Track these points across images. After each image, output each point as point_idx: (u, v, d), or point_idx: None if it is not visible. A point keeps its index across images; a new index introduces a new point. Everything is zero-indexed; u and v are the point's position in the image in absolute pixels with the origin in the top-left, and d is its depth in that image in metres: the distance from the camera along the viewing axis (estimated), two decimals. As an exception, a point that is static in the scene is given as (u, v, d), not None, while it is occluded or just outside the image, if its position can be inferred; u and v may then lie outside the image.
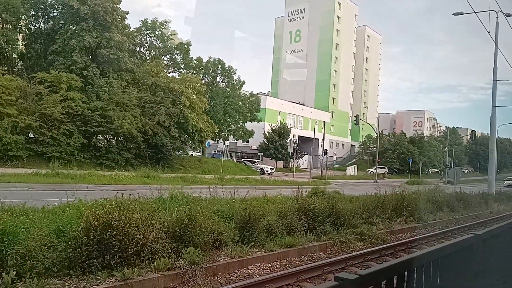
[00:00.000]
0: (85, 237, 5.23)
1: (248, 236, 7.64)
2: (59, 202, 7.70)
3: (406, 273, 2.81)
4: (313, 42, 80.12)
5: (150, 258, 5.70)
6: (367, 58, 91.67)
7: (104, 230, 5.31)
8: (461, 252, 3.64)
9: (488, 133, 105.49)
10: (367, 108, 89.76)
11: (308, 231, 8.38)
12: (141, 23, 35.00)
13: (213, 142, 57.20)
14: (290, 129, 56.47)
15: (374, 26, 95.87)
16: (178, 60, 38.23)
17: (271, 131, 54.60)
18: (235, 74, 41.52)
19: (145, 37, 36.57)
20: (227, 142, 58.74)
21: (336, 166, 71.31)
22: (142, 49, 37.06)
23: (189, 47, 37.12)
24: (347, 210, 9.32)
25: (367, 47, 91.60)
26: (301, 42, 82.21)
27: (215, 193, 10.04)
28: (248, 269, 6.86)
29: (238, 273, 6.61)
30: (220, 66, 40.79)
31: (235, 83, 42.25)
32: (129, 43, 30.20)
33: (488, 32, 21.78)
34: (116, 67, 29.01)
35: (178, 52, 37.55)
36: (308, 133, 63.67)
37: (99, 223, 5.32)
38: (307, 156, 64.28)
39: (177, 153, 31.56)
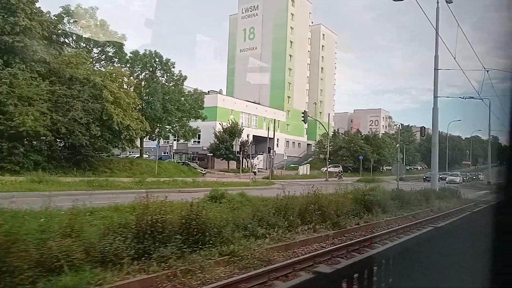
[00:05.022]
0: None
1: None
2: None
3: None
4: (267, 39, 78.43)
5: None
6: (322, 57, 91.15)
7: None
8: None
9: (442, 131, 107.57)
10: (314, 104, 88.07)
11: (140, 257, 5.58)
12: (62, 9, 31.17)
13: (163, 143, 53.93)
14: (242, 128, 54.20)
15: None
16: (110, 54, 34.66)
17: (222, 130, 52.23)
18: (173, 67, 38.48)
19: (70, 26, 32.79)
20: (171, 142, 55.65)
21: (293, 165, 69.92)
22: (66, 40, 33.20)
23: (123, 41, 33.73)
24: (223, 219, 6.86)
25: (323, 45, 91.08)
26: (255, 40, 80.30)
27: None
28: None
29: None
30: (157, 59, 37.62)
31: (176, 78, 39.20)
32: (43, 30, 26.51)
33: (428, 19, 20.39)
34: (26, 57, 25.28)
35: (111, 45, 33.99)
36: (263, 133, 61.50)
37: None
38: (262, 155, 62.43)
39: (100, 154, 28.20)
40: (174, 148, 54.60)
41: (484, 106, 43.27)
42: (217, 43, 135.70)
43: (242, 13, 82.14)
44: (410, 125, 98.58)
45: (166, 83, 38.38)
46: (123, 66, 36.41)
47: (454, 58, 18.84)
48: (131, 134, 27.97)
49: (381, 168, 75.97)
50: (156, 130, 38.80)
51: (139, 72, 38.64)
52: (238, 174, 48.02)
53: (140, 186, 19.62)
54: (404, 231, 10.83)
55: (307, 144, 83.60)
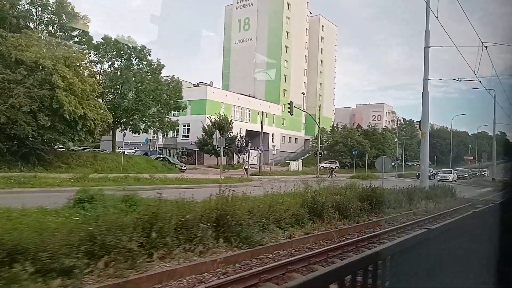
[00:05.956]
0: None
1: None
2: None
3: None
4: (263, 30, 75.11)
5: None
6: (322, 49, 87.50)
7: None
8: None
9: (446, 126, 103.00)
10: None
11: None
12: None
13: (152, 137, 51.28)
14: (232, 122, 51.20)
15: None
16: (75, 38, 31.81)
17: (210, 124, 49.37)
18: (149, 55, 35.50)
19: (30, 8, 29.99)
20: (160, 137, 52.86)
21: (289, 161, 66.77)
22: (29, 24, 30.41)
23: (87, 22, 30.83)
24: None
25: (322, 37, 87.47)
26: (250, 31, 76.94)
27: None
28: None
29: None
30: (131, 45, 34.66)
31: (153, 66, 36.22)
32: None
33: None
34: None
35: (74, 28, 31.11)
36: (258, 127, 58.44)
37: None
38: (256, 151, 59.45)
39: (51, 146, 25.39)
40: (159, 143, 51.71)
41: (490, 100, 39.86)
42: (220, 38, 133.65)
43: (237, 2, 78.85)
44: (413, 120, 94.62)
45: (140, 72, 35.43)
46: (94, 52, 33.71)
47: (451, 39, 15.77)
48: (88, 124, 25.07)
49: (381, 164, 72.51)
50: (131, 122, 35.95)
51: (114, 59, 35.78)
52: (227, 170, 45.31)
53: (75, 183, 16.74)
54: (358, 246, 7.80)
55: (305, 139, 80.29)
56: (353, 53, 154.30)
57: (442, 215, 14.35)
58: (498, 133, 76.45)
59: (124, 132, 38.37)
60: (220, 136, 36.73)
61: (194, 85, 64.02)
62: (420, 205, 15.17)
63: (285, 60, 74.84)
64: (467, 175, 47.60)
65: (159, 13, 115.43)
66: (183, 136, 60.06)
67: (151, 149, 50.64)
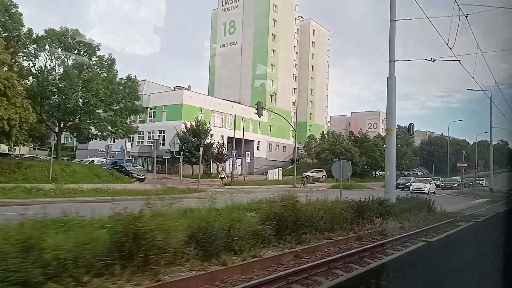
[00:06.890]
0: None
1: None
2: None
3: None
4: (248, 33, 71.53)
5: None
6: (313, 54, 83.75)
7: None
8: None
9: (444, 134, 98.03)
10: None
11: None
12: None
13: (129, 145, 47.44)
14: (210, 128, 47.06)
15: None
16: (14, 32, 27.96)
17: (185, 130, 45.38)
18: (98, 50, 31.60)
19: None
20: (128, 144, 48.87)
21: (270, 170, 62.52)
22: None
23: (16, 10, 26.96)
24: None
25: (313, 42, 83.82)
26: (236, 34, 73.38)
27: None
28: None
29: None
30: (76, 38, 30.82)
31: (104, 63, 32.29)
32: None
33: None
34: None
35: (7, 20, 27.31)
36: (241, 134, 54.41)
37: None
38: (240, 159, 55.28)
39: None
40: (128, 150, 47.59)
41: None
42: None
43: (222, 5, 75.54)
44: (406, 127, 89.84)
45: (90, 68, 31.53)
46: (34, 46, 29.88)
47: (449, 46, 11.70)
48: (1, 125, 21.00)
49: (374, 173, 68.12)
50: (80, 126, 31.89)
51: (63, 56, 31.89)
52: (201, 180, 41.25)
53: None
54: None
55: (294, 147, 75.90)
56: (356, 64, 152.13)
57: (401, 239, 10.08)
58: (500, 141, 71.33)
59: (98, 139, 34.51)
60: (177, 140, 32.79)
61: (172, 90, 60.31)
62: (374, 225, 10.90)
63: (271, 64, 71.02)
64: (456, 184, 42.77)
65: (161, 25, 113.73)
66: (116, 138, 56.18)
67: (127, 158, 46.63)
